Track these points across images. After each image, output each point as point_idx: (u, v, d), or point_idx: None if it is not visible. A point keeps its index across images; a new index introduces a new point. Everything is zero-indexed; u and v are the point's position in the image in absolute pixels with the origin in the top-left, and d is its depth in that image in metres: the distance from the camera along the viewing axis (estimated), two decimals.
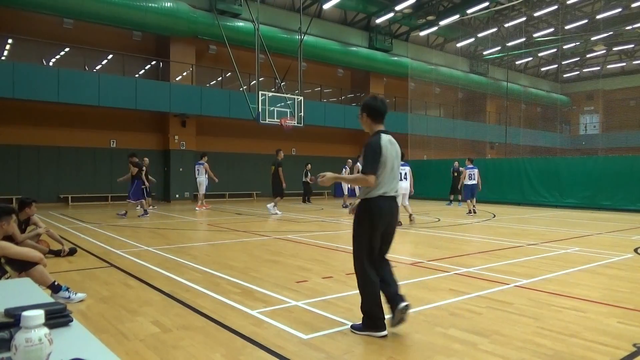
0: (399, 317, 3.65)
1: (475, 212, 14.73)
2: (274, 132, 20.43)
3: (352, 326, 3.80)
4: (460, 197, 18.80)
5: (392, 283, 3.78)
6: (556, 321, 4.02)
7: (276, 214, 14.22)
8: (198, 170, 16.48)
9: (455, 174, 18.87)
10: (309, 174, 19.75)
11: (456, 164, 19.27)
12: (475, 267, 6.36)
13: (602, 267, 6.47)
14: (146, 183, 14.29)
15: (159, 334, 3.68)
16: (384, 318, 3.69)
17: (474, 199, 14.99)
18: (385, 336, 3.65)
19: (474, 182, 14.95)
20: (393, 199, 3.79)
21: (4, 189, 16.89)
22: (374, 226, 3.71)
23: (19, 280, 2.62)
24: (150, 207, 15.89)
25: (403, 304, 3.64)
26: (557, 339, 3.58)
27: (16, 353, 1.15)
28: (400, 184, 11.61)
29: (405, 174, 11.91)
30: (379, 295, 3.70)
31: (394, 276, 3.86)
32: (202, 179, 16.33)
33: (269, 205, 14.55)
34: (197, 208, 16.27)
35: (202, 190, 16.52)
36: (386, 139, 3.77)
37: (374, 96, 3.96)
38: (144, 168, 14.40)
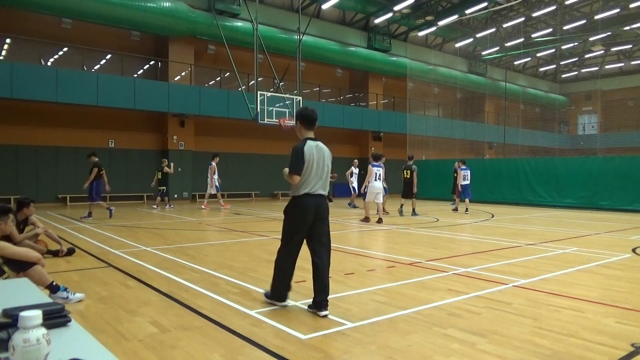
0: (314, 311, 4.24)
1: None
2: (272, 132, 20.43)
3: (264, 293, 4.65)
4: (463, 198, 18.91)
5: (321, 280, 4.29)
6: (554, 321, 4.03)
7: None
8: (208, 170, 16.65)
9: (455, 175, 18.83)
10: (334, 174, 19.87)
11: (457, 164, 19.20)
12: (474, 267, 6.36)
13: (600, 267, 6.48)
14: (107, 186, 13.58)
15: (157, 334, 3.68)
16: (287, 295, 4.50)
17: (468, 199, 15.72)
18: (285, 306, 4.44)
19: (468, 182, 15.75)
20: (319, 196, 4.40)
21: (2, 189, 16.86)
22: (300, 220, 4.34)
23: (17, 281, 2.62)
24: (169, 206, 16.98)
25: (323, 313, 4.16)
26: (555, 339, 3.58)
27: (14, 353, 1.15)
28: (375, 184, 12.37)
29: (379, 174, 12.47)
30: (287, 279, 4.46)
31: (324, 267, 4.35)
32: (209, 180, 16.50)
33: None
34: (221, 207, 16.48)
35: (208, 190, 16.58)
36: (312, 144, 4.42)
37: (306, 107, 4.69)
38: (103, 169, 13.65)
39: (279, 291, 4.49)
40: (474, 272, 6.05)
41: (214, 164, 16.34)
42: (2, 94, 15.60)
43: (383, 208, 14.19)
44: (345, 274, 5.95)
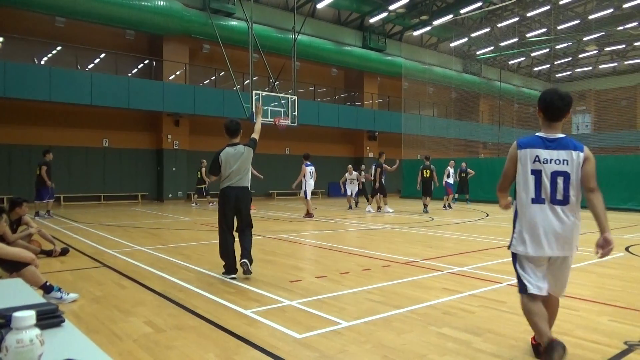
0: (241, 270, 5.59)
1: (450, 208, 16.85)
2: (268, 132, 20.36)
3: (222, 273, 5.74)
4: (467, 197, 19.03)
5: (243, 249, 5.68)
6: None
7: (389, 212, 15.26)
8: None
9: (463, 175, 18.80)
10: (362, 173, 19.69)
11: (464, 164, 19.20)
12: (469, 266, 6.38)
13: (594, 265, 6.51)
14: (49, 183, 13.04)
15: (152, 334, 3.67)
16: (232, 266, 5.64)
17: (450, 196, 17.27)
18: (234, 278, 5.56)
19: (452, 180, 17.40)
20: (239, 188, 5.74)
21: None
22: (224, 207, 5.75)
23: (10, 281, 2.60)
24: (211, 204, 17.20)
25: (234, 276, 5.60)
26: None
27: (7, 354, 1.14)
28: (310, 182, 13.71)
29: (312, 172, 13.68)
30: (228, 250, 5.67)
31: (246, 244, 5.72)
32: None
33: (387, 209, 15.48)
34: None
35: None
36: (229, 150, 5.78)
37: (230, 119, 6.02)
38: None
39: (227, 265, 5.69)
40: (468, 271, 6.08)
41: None
42: None
43: (378, 207, 15.81)
44: (341, 273, 5.95)
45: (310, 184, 13.62)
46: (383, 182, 15.32)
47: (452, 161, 18.83)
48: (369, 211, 15.57)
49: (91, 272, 6.05)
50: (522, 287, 3.28)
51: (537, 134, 3.39)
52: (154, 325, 3.88)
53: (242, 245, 5.69)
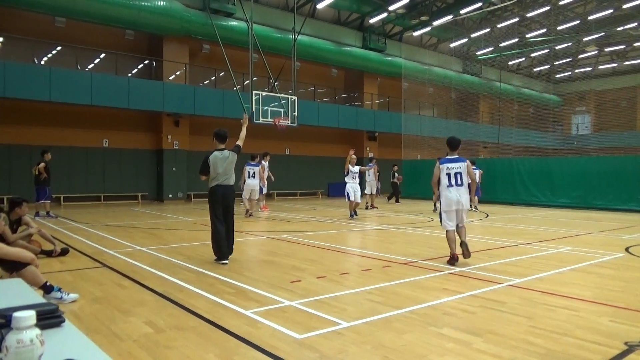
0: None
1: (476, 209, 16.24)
2: (268, 132, 20.39)
3: (215, 260, 6.64)
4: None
5: (229, 240, 6.73)
6: (549, 320, 4.05)
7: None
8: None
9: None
10: (396, 174, 19.62)
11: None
12: (469, 266, 6.38)
13: (594, 266, 6.51)
14: (44, 175, 12.95)
15: (152, 334, 3.67)
16: (221, 253, 6.59)
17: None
18: (225, 264, 6.45)
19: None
20: (226, 186, 6.71)
21: None
22: (214, 203, 6.73)
23: (10, 281, 2.60)
24: (261, 203, 17.24)
25: (226, 261, 6.56)
26: (549, 338, 3.60)
27: (7, 354, 1.14)
28: (249, 181, 13.91)
29: (254, 173, 13.90)
30: (220, 239, 6.58)
31: (230, 234, 6.78)
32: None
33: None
34: (261, 210, 15.48)
35: (263, 190, 15.35)
36: (217, 154, 6.72)
37: (219, 128, 6.94)
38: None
39: (218, 252, 6.61)
40: (468, 271, 6.07)
41: (264, 163, 15.27)
42: None
43: (372, 204, 15.87)
44: (341, 273, 5.95)
45: (247, 183, 13.83)
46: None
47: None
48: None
49: (91, 272, 6.04)
50: (445, 226, 6.82)
51: (446, 156, 7.05)
52: (154, 325, 3.87)
53: (229, 234, 6.75)
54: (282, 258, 7.12)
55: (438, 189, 6.90)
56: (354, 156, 13.28)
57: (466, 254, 6.54)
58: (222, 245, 6.56)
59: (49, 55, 19.01)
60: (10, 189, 16.77)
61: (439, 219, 7.01)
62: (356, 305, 4.51)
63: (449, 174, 6.76)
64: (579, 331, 3.77)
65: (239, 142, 7.07)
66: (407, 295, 4.86)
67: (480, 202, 19.23)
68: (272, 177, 15.85)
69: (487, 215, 14.55)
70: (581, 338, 3.61)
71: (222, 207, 6.69)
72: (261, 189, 14.80)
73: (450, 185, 6.72)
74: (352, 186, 13.20)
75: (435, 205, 15.46)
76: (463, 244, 6.56)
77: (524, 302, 4.62)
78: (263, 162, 15.10)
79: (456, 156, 6.89)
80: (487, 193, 19.72)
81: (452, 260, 6.55)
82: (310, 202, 21.63)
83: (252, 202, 14.10)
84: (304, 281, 5.50)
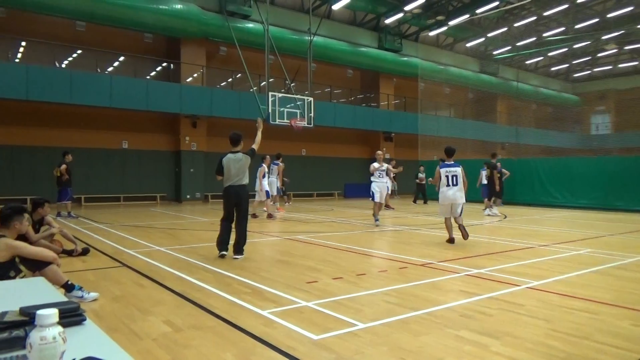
0: (232, 250, 7.10)
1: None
2: (284, 133, 20.47)
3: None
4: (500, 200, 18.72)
5: (237, 235, 7.09)
6: (568, 323, 3.99)
7: (491, 214, 14.40)
8: (272, 169, 14.99)
9: (499, 175, 18.34)
10: (419, 175, 19.60)
11: (498, 164, 18.80)
12: (486, 268, 6.32)
13: (614, 268, 6.39)
14: (66, 177, 13.26)
15: (170, 333, 3.71)
16: (220, 245, 7.08)
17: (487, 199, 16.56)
18: (223, 255, 7.01)
19: (486, 182, 16.73)
20: (238, 186, 7.08)
21: (18, 189, 17.14)
22: (227, 201, 7.18)
23: (33, 280, 2.66)
24: (287, 204, 17.64)
25: (225, 252, 7.08)
26: (568, 341, 3.55)
27: (31, 351, 1.17)
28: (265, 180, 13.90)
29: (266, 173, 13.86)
30: (224, 235, 7.09)
31: (239, 231, 7.11)
32: (273, 179, 14.86)
33: (486, 211, 14.63)
34: (277, 210, 15.38)
35: (273, 191, 14.84)
36: (230, 156, 7.16)
37: (233, 132, 7.34)
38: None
39: (219, 244, 7.08)
40: (486, 273, 6.01)
41: (280, 164, 15.01)
42: (18, 96, 15.87)
43: (387, 204, 15.20)
44: (357, 274, 5.94)
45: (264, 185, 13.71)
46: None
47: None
48: (489, 214, 14.59)
49: (111, 271, 6.14)
50: (443, 216, 8.72)
51: (445, 162, 8.70)
52: (173, 324, 3.92)
53: (237, 232, 7.08)
54: (298, 259, 7.14)
55: (437, 187, 8.78)
56: (379, 152, 12.16)
57: (464, 235, 8.36)
58: (224, 239, 7.07)
59: (70, 59, 19.37)
60: (33, 189, 17.12)
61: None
62: (372, 306, 4.50)
63: (447, 176, 8.55)
64: (599, 335, 3.70)
65: (254, 146, 7.35)
66: (423, 297, 4.83)
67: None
68: (278, 180, 15.13)
69: (505, 217, 14.38)
70: (601, 342, 3.55)
71: (233, 206, 7.10)
72: (267, 193, 14.01)
73: (448, 185, 8.55)
74: (377, 185, 11.64)
75: (489, 208, 15.12)
76: (461, 227, 8.39)
77: (542, 304, 4.56)
78: (263, 164, 14.29)
79: (452, 162, 8.71)
80: (505, 194, 19.47)
81: (450, 242, 8.56)
82: (327, 203, 21.63)
83: (262, 203, 13.87)
84: (320, 282, 5.51)
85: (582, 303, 4.62)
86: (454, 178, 8.48)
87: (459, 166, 8.59)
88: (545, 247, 8.24)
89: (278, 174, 15.05)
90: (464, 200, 8.52)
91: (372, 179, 11.80)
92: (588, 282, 5.54)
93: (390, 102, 28.08)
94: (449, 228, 8.62)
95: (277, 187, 15.14)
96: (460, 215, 8.54)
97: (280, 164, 15.25)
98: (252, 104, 17.51)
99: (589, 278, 5.81)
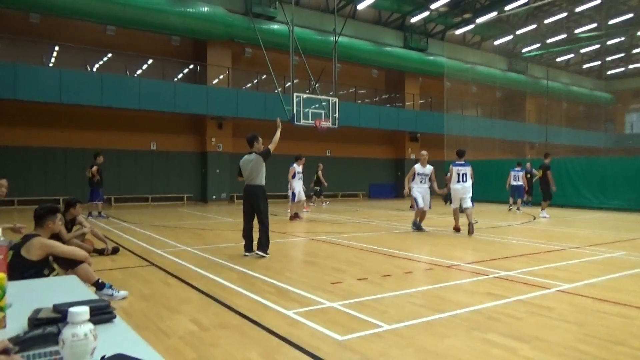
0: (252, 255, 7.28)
1: (519, 210, 16.39)
2: (309, 134, 20.51)
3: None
4: (530, 199, 18.43)
5: (258, 240, 7.25)
6: (601, 328, 3.87)
7: (546, 217, 13.88)
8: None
9: (529, 176, 18.05)
10: (532, 170, 19.58)
11: (528, 164, 18.49)
12: (515, 270, 6.19)
13: None
14: (97, 177, 13.48)
15: (197, 331, 3.76)
16: (248, 246, 7.38)
17: (520, 200, 16.84)
18: (246, 256, 7.22)
19: (520, 183, 16.83)
20: (251, 186, 7.34)
21: (51, 190, 17.67)
22: (243, 202, 7.53)
23: (66, 278, 2.74)
24: (325, 203, 18.19)
25: (248, 254, 7.31)
26: (601, 347, 3.44)
27: (63, 347, 1.20)
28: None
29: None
30: (246, 234, 7.41)
31: (260, 236, 7.22)
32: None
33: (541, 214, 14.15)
34: (305, 210, 15.25)
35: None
36: (246, 157, 7.52)
37: (250, 133, 7.68)
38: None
39: (245, 244, 7.40)
40: (515, 275, 5.89)
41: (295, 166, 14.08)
42: (52, 99, 16.37)
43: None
44: (382, 275, 5.91)
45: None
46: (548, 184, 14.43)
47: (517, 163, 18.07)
48: (545, 217, 13.97)
49: (140, 270, 6.26)
50: (453, 206, 10.47)
51: (456, 162, 10.34)
52: (199, 323, 3.98)
53: (259, 232, 7.27)
54: (322, 259, 7.14)
55: (449, 183, 10.59)
56: (424, 152, 10.61)
57: (470, 231, 9.75)
58: (248, 239, 7.39)
59: (101, 63, 19.86)
60: (65, 190, 17.63)
61: (450, 202, 11.00)
62: (398, 307, 4.46)
63: (458, 174, 10.22)
64: (634, 340, 3.58)
65: (270, 146, 7.50)
66: (450, 299, 4.77)
67: (526, 204, 18.66)
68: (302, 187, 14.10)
69: (534, 218, 14.06)
70: (636, 347, 3.43)
71: (249, 205, 7.35)
72: (293, 195, 13.65)
73: (458, 181, 10.22)
74: (420, 190, 10.44)
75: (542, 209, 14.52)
76: (470, 225, 9.78)
77: (573, 308, 4.44)
78: (295, 165, 14.02)
79: (463, 162, 10.30)
80: (534, 195, 19.06)
81: (455, 230, 10.27)
82: (352, 203, 21.58)
83: (295, 205, 13.64)
84: (344, 283, 5.50)
85: (615, 307, 4.48)
86: (464, 176, 10.18)
87: (469, 165, 10.24)
88: (577, 250, 8.02)
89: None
90: (470, 194, 10.17)
91: (412, 184, 10.53)
92: (622, 286, 5.37)
93: (415, 102, 27.82)
94: (456, 217, 10.37)
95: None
96: (470, 208, 9.97)
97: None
98: (278, 105, 17.62)
99: (623, 282, 5.63)
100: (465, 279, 5.70)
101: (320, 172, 18.14)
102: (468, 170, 10.14)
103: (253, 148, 7.49)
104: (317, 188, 18.61)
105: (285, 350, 3.39)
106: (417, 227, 10.64)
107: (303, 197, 13.85)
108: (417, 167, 10.54)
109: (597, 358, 3.22)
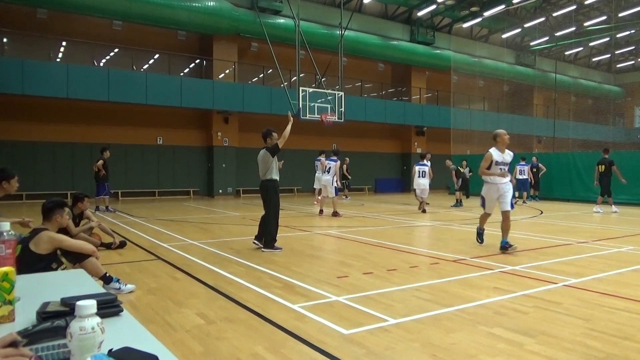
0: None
1: (525, 203, 16.67)
2: (314, 128, 20.48)
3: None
4: (537, 194, 18.49)
5: (264, 225, 7.52)
6: (608, 323, 3.85)
7: (598, 212, 13.82)
8: (317, 166, 14.52)
9: (534, 170, 18.17)
10: (461, 170, 19.57)
11: (534, 159, 18.58)
12: (522, 265, 6.17)
13: None
14: (103, 172, 13.59)
15: (203, 325, 3.79)
16: (257, 235, 7.63)
17: (525, 193, 17.33)
18: (254, 243, 7.57)
19: (525, 176, 17.36)
20: (263, 181, 7.49)
21: (60, 184, 17.79)
22: (260, 195, 7.68)
23: (73, 271, 2.76)
24: (345, 197, 18.43)
25: (259, 246, 7.46)
26: (609, 342, 3.43)
27: (71, 340, 1.21)
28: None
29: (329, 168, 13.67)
30: (259, 224, 7.69)
31: (263, 222, 7.54)
32: (319, 176, 14.25)
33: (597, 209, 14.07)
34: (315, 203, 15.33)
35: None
36: (260, 152, 7.52)
37: (266, 128, 7.64)
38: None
39: (257, 233, 7.68)
40: (521, 270, 5.87)
41: (323, 159, 13.79)
42: (59, 94, 16.45)
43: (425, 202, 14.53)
44: (388, 270, 5.91)
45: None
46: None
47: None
48: (598, 212, 14.00)
49: (147, 264, 6.30)
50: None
51: (419, 162, 14.22)
52: (206, 317, 4.00)
53: (266, 221, 7.45)
54: (328, 253, 7.15)
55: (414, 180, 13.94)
56: (506, 136, 7.99)
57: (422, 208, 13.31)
58: (258, 228, 7.67)
59: (107, 57, 19.92)
60: (73, 185, 17.75)
61: (414, 193, 14.14)
62: (404, 302, 4.46)
63: (419, 171, 13.62)
64: None
65: (279, 140, 7.40)
66: (456, 293, 4.76)
67: (533, 198, 18.57)
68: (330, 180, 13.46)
69: (542, 212, 13.99)
70: None
71: (262, 200, 7.59)
72: (336, 190, 13.25)
73: (419, 177, 13.68)
74: (501, 188, 7.39)
75: (611, 205, 14.35)
76: (423, 203, 13.65)
77: (581, 303, 4.42)
78: (321, 158, 13.84)
79: (425, 162, 13.84)
80: (541, 189, 18.96)
81: (421, 210, 13.70)
82: (357, 197, 21.56)
83: (321, 200, 13.40)
84: (350, 277, 5.50)
85: (623, 302, 4.45)
86: (422, 172, 13.75)
87: (427, 165, 13.72)
88: (584, 244, 7.98)
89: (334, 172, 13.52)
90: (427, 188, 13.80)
91: (486, 178, 7.67)
92: (630, 281, 5.34)
93: (422, 96, 27.67)
94: (421, 202, 13.89)
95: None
96: (425, 196, 13.88)
97: (322, 159, 13.97)
98: (283, 99, 17.60)
99: (631, 276, 5.59)
100: (471, 274, 5.69)
101: (345, 166, 19.00)
102: (426, 168, 13.70)
103: (266, 143, 7.55)
104: (345, 182, 19.26)
105: (291, 344, 3.41)
106: (481, 237, 7.93)
107: (332, 193, 13.10)
108: (495, 156, 7.51)
109: (604, 353, 3.21)
